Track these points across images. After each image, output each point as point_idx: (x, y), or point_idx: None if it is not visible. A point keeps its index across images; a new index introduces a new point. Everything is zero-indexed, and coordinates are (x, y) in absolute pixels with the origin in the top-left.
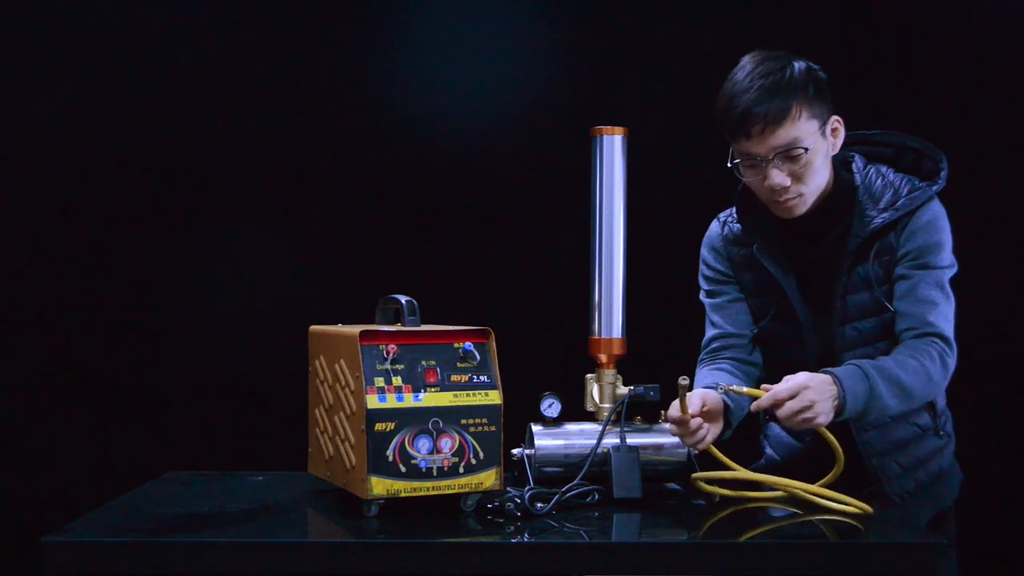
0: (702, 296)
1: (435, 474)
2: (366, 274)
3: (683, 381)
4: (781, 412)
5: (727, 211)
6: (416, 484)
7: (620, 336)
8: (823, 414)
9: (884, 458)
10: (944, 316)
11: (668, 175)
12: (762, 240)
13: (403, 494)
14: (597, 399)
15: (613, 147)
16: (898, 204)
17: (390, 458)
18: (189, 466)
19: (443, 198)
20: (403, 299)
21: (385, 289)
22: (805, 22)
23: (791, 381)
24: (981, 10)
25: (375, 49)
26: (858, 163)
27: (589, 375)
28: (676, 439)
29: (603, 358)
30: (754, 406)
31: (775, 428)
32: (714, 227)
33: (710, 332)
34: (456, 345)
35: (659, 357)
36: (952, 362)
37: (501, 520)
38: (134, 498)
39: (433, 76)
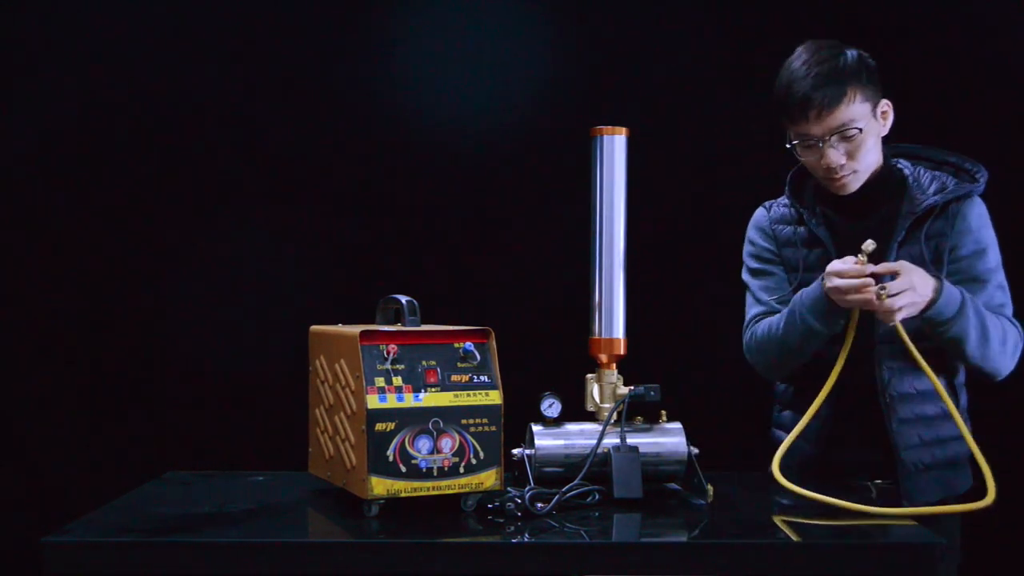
0: (746, 276)
1: (435, 474)
2: (366, 274)
3: (869, 247)
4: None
5: (770, 200)
6: (416, 484)
7: (621, 336)
8: (918, 300)
9: (905, 426)
10: (1010, 309)
11: (668, 175)
12: (814, 215)
13: (403, 494)
14: (597, 399)
15: (613, 147)
16: (947, 190)
17: (390, 458)
18: (189, 466)
19: (443, 198)
20: (403, 299)
21: (385, 289)
22: (805, 22)
23: (897, 262)
24: (981, 10)
25: (375, 49)
26: (904, 164)
27: (589, 375)
28: (676, 439)
29: (603, 358)
30: (879, 267)
31: (788, 414)
32: (759, 211)
33: (755, 309)
34: (456, 345)
35: (659, 357)
36: (1020, 347)
37: (501, 520)
38: (134, 498)
39: (433, 76)
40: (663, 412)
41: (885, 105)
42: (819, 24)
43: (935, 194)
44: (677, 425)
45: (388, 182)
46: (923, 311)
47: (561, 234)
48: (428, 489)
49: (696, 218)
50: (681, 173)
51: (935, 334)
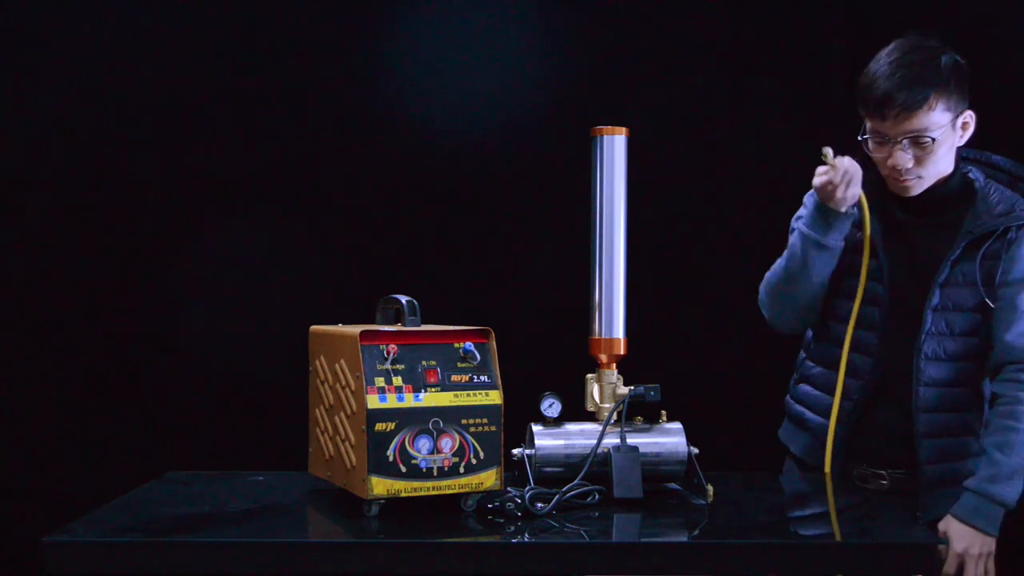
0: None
1: (435, 474)
2: (366, 274)
3: (827, 150)
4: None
5: None
6: (416, 484)
7: (621, 336)
8: (988, 549)
9: (927, 440)
10: None
11: (668, 175)
12: (872, 202)
13: (403, 494)
14: (597, 399)
15: (614, 147)
16: (1014, 213)
17: (390, 458)
18: (189, 466)
19: (444, 198)
20: (403, 299)
21: (385, 289)
22: (806, 22)
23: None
24: (982, 12)
25: (376, 49)
26: (977, 175)
27: (589, 375)
28: (676, 439)
29: (603, 358)
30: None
31: (804, 387)
32: None
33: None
34: (456, 345)
35: (659, 357)
36: None
37: (501, 520)
38: (134, 498)
39: (434, 76)
40: (663, 412)
41: (968, 116)
42: (819, 24)
43: (999, 216)
44: (677, 425)
45: (388, 182)
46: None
47: (561, 234)
48: (428, 489)
49: (696, 218)
50: (681, 173)
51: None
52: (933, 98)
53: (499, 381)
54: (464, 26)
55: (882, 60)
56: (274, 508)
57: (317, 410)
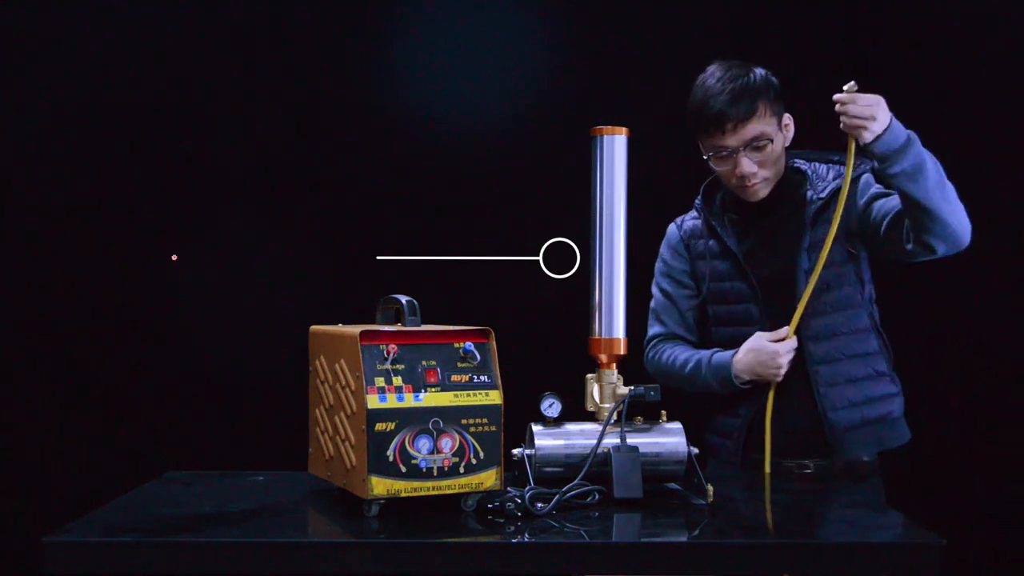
0: (655, 290)
1: (435, 474)
2: (366, 274)
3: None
4: (853, 104)
5: (680, 217)
6: (416, 484)
7: (621, 336)
8: (879, 119)
9: (833, 389)
10: None
11: (668, 175)
12: (723, 224)
13: (403, 494)
14: (597, 399)
15: (614, 147)
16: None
17: (390, 458)
18: (189, 466)
19: (444, 198)
20: (403, 299)
21: (385, 289)
22: (805, 22)
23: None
24: (982, 12)
25: (376, 49)
26: (801, 163)
27: (589, 375)
28: (676, 439)
29: (603, 358)
30: (846, 87)
31: (718, 419)
32: (671, 229)
33: (657, 329)
34: (456, 345)
35: None
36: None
37: (501, 520)
38: (134, 498)
39: (434, 77)
40: (663, 412)
41: (787, 119)
42: (819, 24)
43: (835, 179)
44: (677, 425)
45: (388, 182)
46: (878, 134)
47: (561, 234)
48: (428, 489)
49: None
50: (681, 173)
51: (891, 175)
52: (761, 106)
53: (499, 381)
54: (464, 26)
55: (706, 84)
56: (274, 508)
57: (317, 410)
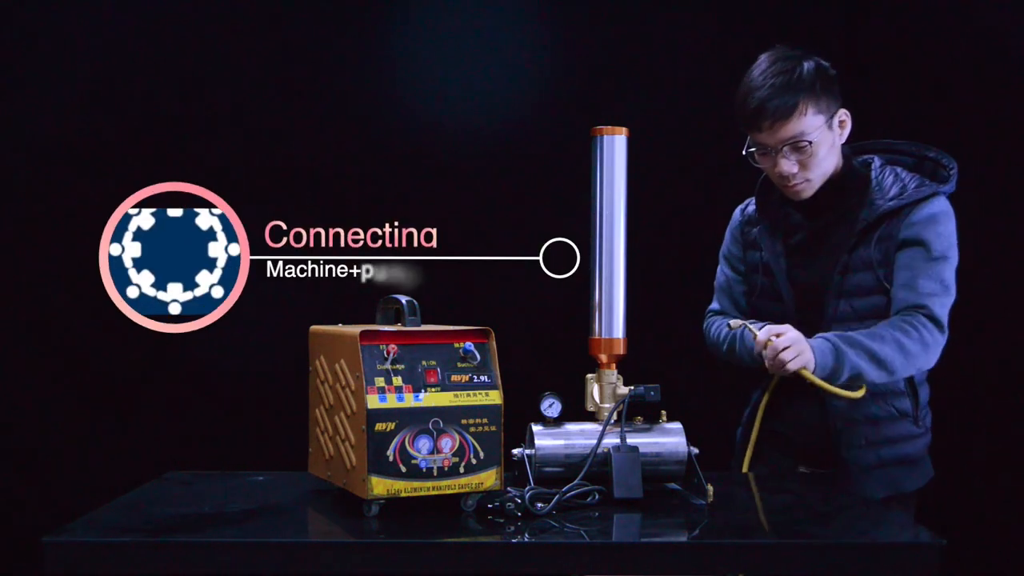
0: (717, 273)
1: (435, 474)
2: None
3: (734, 323)
4: (771, 350)
5: (747, 199)
6: (416, 484)
7: (621, 336)
8: (805, 354)
9: (850, 426)
10: (938, 301)
11: (668, 175)
12: (771, 221)
13: (403, 494)
14: (597, 399)
15: (614, 147)
16: (904, 195)
17: (390, 458)
18: (189, 466)
19: (443, 198)
20: (403, 299)
21: (385, 289)
22: (806, 22)
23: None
24: (982, 12)
25: (376, 49)
26: (876, 163)
27: (589, 375)
28: (676, 439)
29: (603, 358)
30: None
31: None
32: (736, 212)
33: (714, 305)
34: (456, 345)
35: (659, 357)
36: (934, 339)
37: (501, 520)
38: (134, 498)
39: (434, 76)
40: (663, 412)
41: (843, 115)
42: (819, 24)
43: (892, 199)
44: (677, 425)
45: (388, 182)
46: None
47: (561, 234)
48: (428, 489)
49: (696, 218)
50: (681, 173)
51: (837, 384)
52: (802, 103)
53: (499, 381)
54: (465, 26)
55: (751, 76)
56: (274, 508)
57: (317, 410)
